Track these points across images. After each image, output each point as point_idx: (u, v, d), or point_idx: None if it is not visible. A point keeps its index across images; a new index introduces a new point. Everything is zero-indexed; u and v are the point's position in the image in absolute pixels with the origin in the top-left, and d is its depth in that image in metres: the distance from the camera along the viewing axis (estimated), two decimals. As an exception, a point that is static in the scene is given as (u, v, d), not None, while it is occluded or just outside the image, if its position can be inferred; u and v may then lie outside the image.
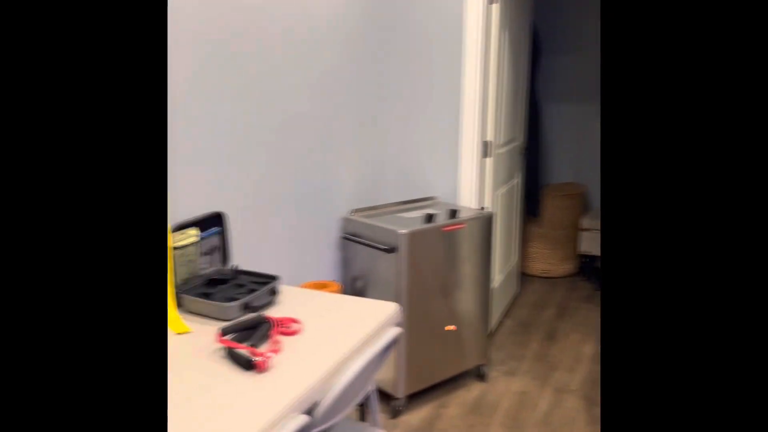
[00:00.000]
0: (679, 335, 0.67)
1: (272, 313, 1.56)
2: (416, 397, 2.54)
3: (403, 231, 2.30)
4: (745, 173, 0.64)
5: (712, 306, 0.65)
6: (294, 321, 1.49)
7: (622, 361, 0.68)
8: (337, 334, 1.44)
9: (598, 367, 2.81)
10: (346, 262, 2.57)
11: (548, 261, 4.03)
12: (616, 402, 0.68)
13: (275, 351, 1.34)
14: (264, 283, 1.69)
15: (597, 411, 2.44)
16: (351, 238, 2.51)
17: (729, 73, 0.65)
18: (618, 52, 0.69)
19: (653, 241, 0.68)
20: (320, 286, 2.33)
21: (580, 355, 2.94)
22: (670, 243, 0.67)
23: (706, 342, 0.65)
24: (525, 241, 4.06)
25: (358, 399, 1.44)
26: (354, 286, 2.54)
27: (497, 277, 3.22)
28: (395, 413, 2.39)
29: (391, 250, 2.32)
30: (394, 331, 1.50)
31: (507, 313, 3.46)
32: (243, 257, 2.05)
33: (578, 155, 4.31)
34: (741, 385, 0.63)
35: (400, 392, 2.39)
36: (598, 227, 3.93)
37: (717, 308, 0.65)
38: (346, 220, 2.55)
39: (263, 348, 1.36)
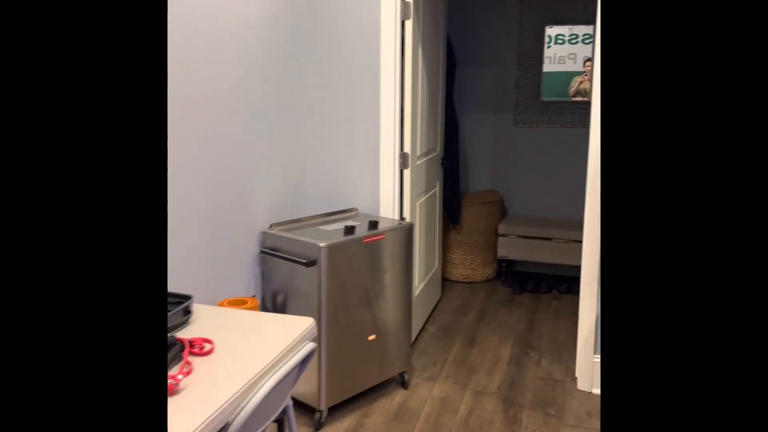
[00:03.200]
0: (679, 340, 0.66)
1: (185, 333, 1.54)
2: (339, 408, 2.56)
3: (323, 244, 2.33)
4: (748, 178, 0.63)
5: (711, 309, 0.65)
6: (206, 341, 1.48)
7: (623, 365, 0.68)
8: (251, 353, 1.45)
9: (515, 369, 2.93)
10: (266, 277, 2.56)
11: (469, 267, 4.16)
12: (617, 404, 0.68)
13: (186, 373, 1.33)
14: (176, 303, 1.67)
15: (514, 411, 2.55)
16: (270, 252, 2.51)
17: (727, 76, 0.65)
18: (618, 54, 0.69)
19: (653, 245, 0.67)
20: (238, 303, 2.31)
21: (499, 357, 3.06)
22: (668, 247, 0.66)
23: (704, 345, 0.65)
24: (446, 247, 4.18)
25: (273, 416, 1.45)
26: (275, 301, 2.54)
27: (419, 285, 3.29)
28: (318, 425, 2.41)
29: (311, 263, 2.34)
30: (308, 347, 1.52)
31: (429, 319, 3.54)
32: (157, 276, 2.00)
33: (495, 163, 4.48)
34: (742, 389, 0.63)
35: (322, 404, 2.40)
36: (515, 233, 4.09)
37: (715, 312, 0.65)
38: (265, 235, 2.55)
39: (174, 370, 1.35)
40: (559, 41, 4.19)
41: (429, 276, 3.53)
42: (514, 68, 4.32)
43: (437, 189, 3.66)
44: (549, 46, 4.22)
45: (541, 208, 4.39)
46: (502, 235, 4.12)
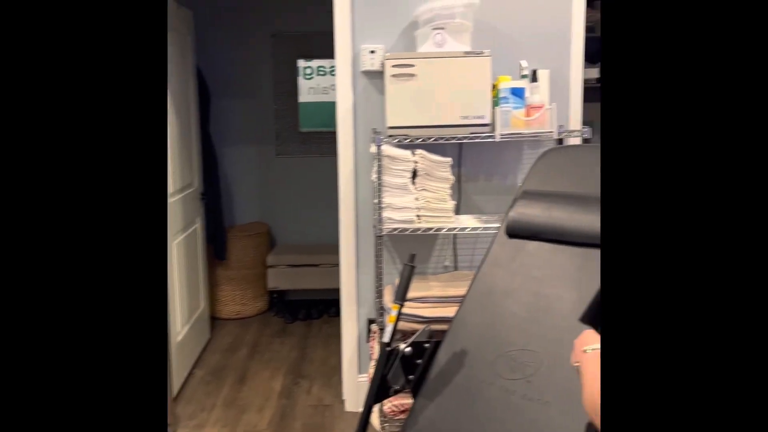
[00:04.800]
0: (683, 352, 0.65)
1: None
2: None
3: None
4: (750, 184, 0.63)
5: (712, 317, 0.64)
6: None
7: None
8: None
9: (285, 401, 2.92)
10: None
11: (239, 302, 4.06)
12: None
13: None
14: None
15: (284, 445, 2.53)
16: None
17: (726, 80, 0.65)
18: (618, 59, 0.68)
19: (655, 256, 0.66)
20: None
21: (270, 392, 3.02)
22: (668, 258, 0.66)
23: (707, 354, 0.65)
24: (214, 285, 4.03)
25: None
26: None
27: (182, 329, 3.11)
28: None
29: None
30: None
31: (197, 363, 3.37)
32: None
33: (260, 195, 4.47)
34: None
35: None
36: (284, 262, 4.12)
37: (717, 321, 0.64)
38: None
39: None
40: (321, 72, 4.36)
41: (194, 317, 3.36)
42: (272, 100, 4.38)
43: (198, 225, 3.52)
44: (311, 77, 4.36)
45: (308, 236, 4.48)
46: (272, 266, 4.11)
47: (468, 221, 2.59)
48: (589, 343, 1.03)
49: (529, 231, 1.75)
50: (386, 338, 1.63)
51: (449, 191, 2.49)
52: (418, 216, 2.48)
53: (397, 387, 1.59)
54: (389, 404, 2.40)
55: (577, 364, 1.04)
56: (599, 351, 1.00)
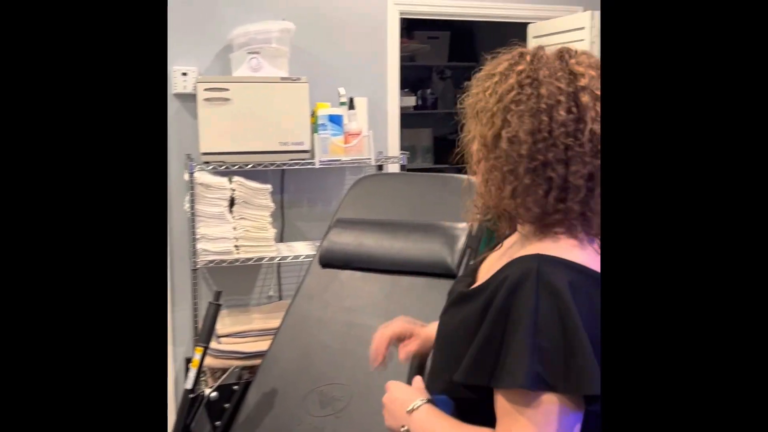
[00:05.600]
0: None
1: None
2: None
3: None
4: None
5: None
6: None
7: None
8: None
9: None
10: None
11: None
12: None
13: None
14: None
15: None
16: None
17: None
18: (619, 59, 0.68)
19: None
20: None
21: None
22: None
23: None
24: None
25: None
26: None
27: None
28: None
29: None
30: None
31: None
32: None
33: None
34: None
35: None
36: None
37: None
38: None
39: None
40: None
41: None
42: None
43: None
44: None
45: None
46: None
47: (291, 249, 2.53)
48: (403, 398, 0.90)
49: (341, 260, 1.73)
50: (189, 384, 1.50)
51: (270, 219, 2.42)
52: (236, 246, 2.37)
53: (201, 437, 1.47)
54: (208, 450, 2.24)
55: (404, 428, 0.88)
56: (427, 406, 0.88)
